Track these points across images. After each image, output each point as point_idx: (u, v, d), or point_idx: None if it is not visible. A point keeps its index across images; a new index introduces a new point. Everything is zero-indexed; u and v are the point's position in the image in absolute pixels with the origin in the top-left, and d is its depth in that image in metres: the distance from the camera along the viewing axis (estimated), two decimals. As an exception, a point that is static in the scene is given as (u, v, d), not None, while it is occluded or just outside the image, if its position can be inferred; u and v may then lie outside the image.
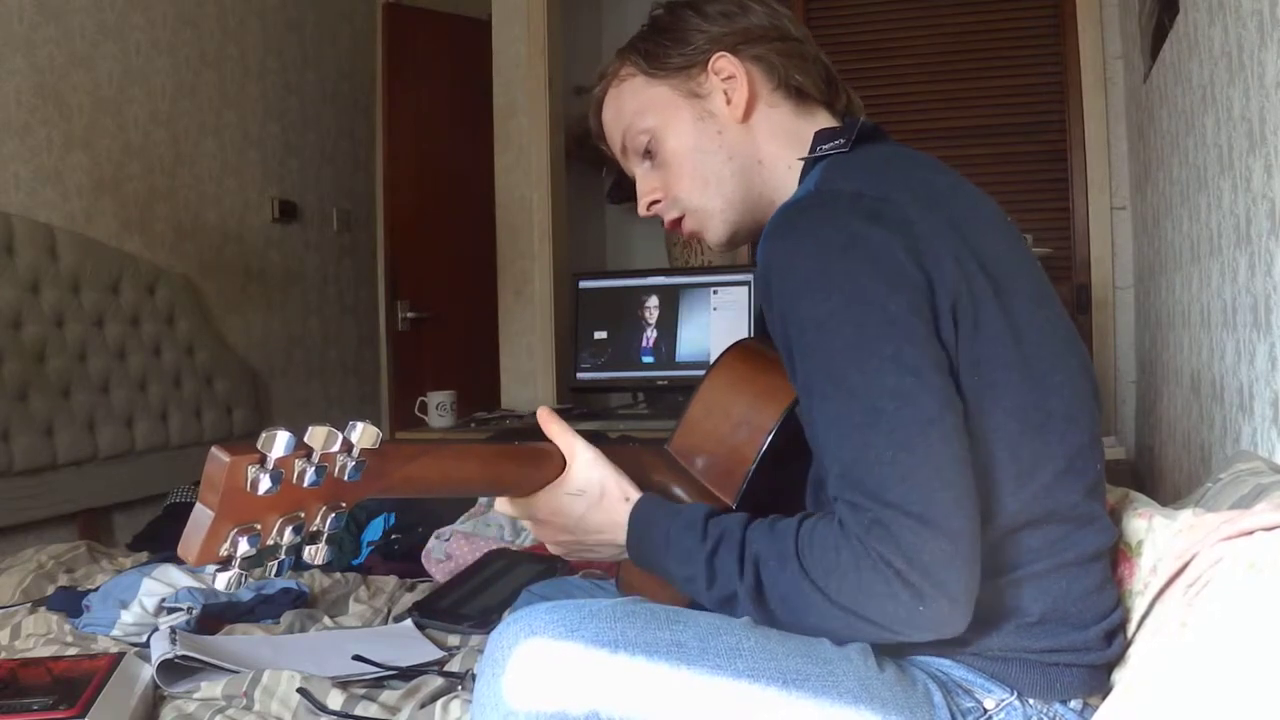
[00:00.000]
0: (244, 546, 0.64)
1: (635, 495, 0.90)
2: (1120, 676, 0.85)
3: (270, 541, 0.66)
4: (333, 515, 0.70)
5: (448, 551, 1.85)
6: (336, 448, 0.66)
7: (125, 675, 1.22)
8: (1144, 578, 0.91)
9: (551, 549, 0.96)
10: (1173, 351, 2.10)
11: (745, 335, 2.63)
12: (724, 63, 0.96)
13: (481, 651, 0.79)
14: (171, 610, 1.51)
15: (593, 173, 3.86)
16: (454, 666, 1.33)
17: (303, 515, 0.68)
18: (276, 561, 0.68)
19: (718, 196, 0.98)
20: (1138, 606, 0.89)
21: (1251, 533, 0.82)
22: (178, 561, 1.71)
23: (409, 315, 3.85)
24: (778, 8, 1.00)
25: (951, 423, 0.74)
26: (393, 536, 2.02)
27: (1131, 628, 0.89)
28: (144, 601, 1.52)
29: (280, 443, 0.62)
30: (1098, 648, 0.83)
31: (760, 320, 0.88)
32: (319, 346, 3.53)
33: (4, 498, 2.21)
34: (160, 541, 2.21)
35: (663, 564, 0.86)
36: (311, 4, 3.49)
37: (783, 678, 0.74)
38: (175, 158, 2.84)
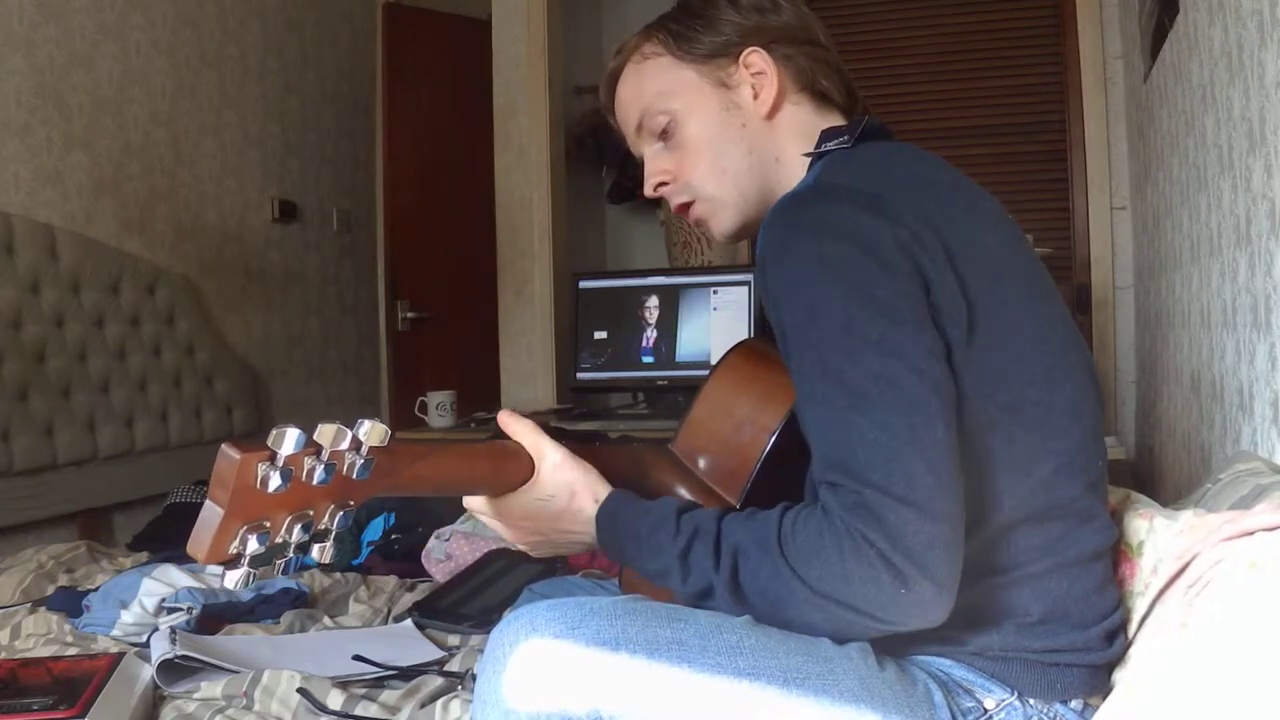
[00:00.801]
0: (253, 544, 0.64)
1: (605, 493, 0.89)
2: (1121, 676, 0.85)
3: (279, 539, 0.66)
4: (341, 513, 0.70)
5: (448, 551, 1.85)
6: (345, 445, 0.66)
7: (125, 675, 1.22)
8: (1145, 578, 0.91)
9: (520, 547, 0.95)
10: (1173, 351, 2.10)
11: (745, 335, 2.63)
12: (756, 57, 0.96)
13: (481, 651, 0.79)
14: (171, 610, 1.51)
15: (593, 173, 3.87)
16: (454, 666, 1.33)
17: (311, 513, 0.68)
18: (285, 560, 0.68)
19: (734, 188, 0.98)
20: (1138, 607, 0.89)
21: (1252, 533, 0.82)
22: (178, 561, 1.71)
23: (409, 315, 3.86)
24: (807, 11, 1.01)
25: (938, 408, 0.74)
26: (393, 536, 2.02)
27: (1132, 628, 0.89)
28: (144, 601, 1.52)
29: (290, 440, 0.62)
30: (1098, 648, 0.83)
31: (761, 320, 0.88)
32: (319, 346, 3.53)
33: (4, 498, 2.21)
34: (160, 541, 2.21)
35: (635, 560, 0.85)
36: (311, 4, 3.49)
37: (783, 676, 0.74)
38: (175, 158, 2.84)
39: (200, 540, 0.63)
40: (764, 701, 0.73)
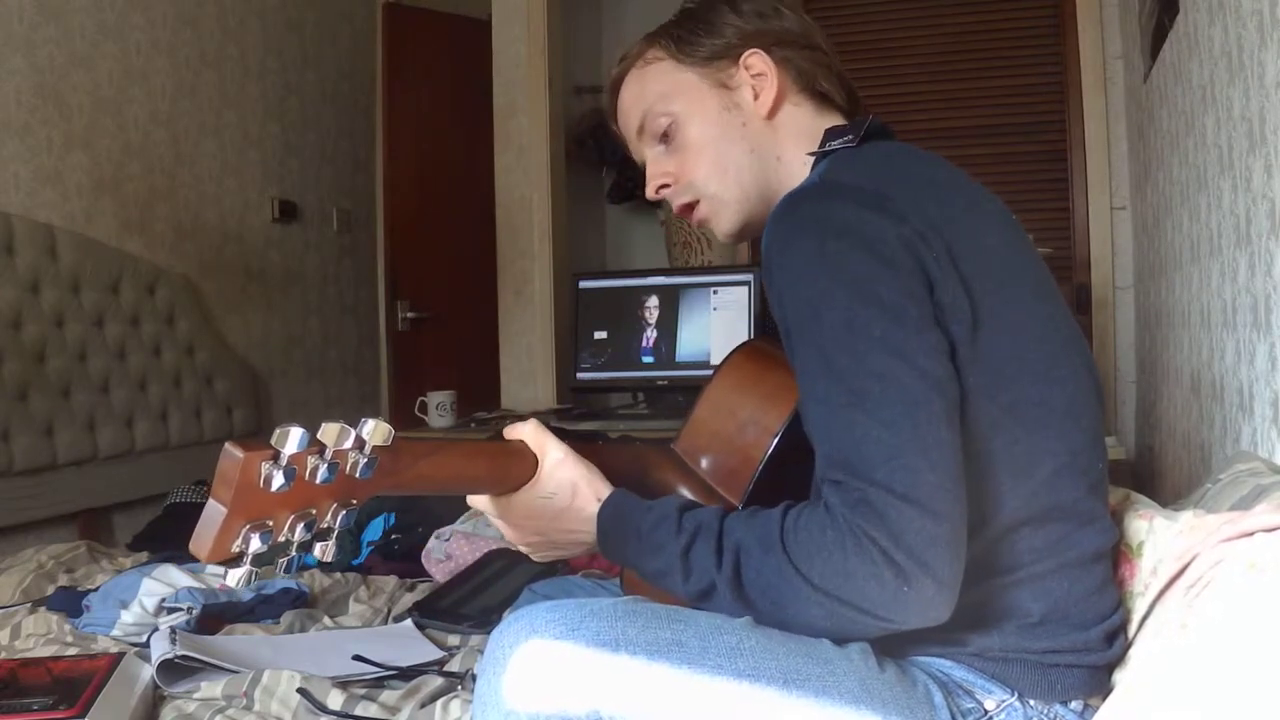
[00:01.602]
0: (256, 543, 0.64)
1: (607, 493, 0.89)
2: (1121, 677, 0.85)
3: (282, 538, 0.66)
4: (343, 512, 0.70)
5: (448, 551, 1.85)
6: (349, 444, 0.66)
7: (125, 675, 1.22)
8: (1145, 579, 0.91)
9: (521, 549, 0.95)
10: (1173, 351, 2.10)
11: (745, 335, 2.63)
12: (756, 59, 0.98)
13: (481, 651, 0.79)
14: (171, 610, 1.51)
15: (593, 173, 3.87)
16: (454, 666, 1.33)
17: (314, 512, 0.68)
18: (287, 558, 0.68)
19: (735, 186, 0.99)
20: (1138, 607, 0.89)
21: (1252, 534, 0.82)
22: (178, 561, 1.71)
23: (409, 315, 3.86)
24: (808, 19, 1.02)
25: (940, 407, 0.74)
26: (393, 536, 2.02)
27: (1132, 629, 0.89)
28: (144, 601, 1.52)
29: (294, 439, 0.62)
30: (1098, 648, 0.83)
31: (762, 320, 0.89)
32: (319, 346, 3.53)
33: (4, 498, 2.21)
34: (160, 541, 2.21)
35: (635, 559, 0.85)
36: (311, 4, 3.49)
37: (783, 677, 0.74)
38: (175, 158, 2.84)
39: (203, 539, 0.63)
40: (764, 702, 0.73)
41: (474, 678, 0.91)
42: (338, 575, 1.82)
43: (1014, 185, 3.15)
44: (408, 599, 1.68)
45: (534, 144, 3.33)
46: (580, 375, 2.87)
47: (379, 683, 1.28)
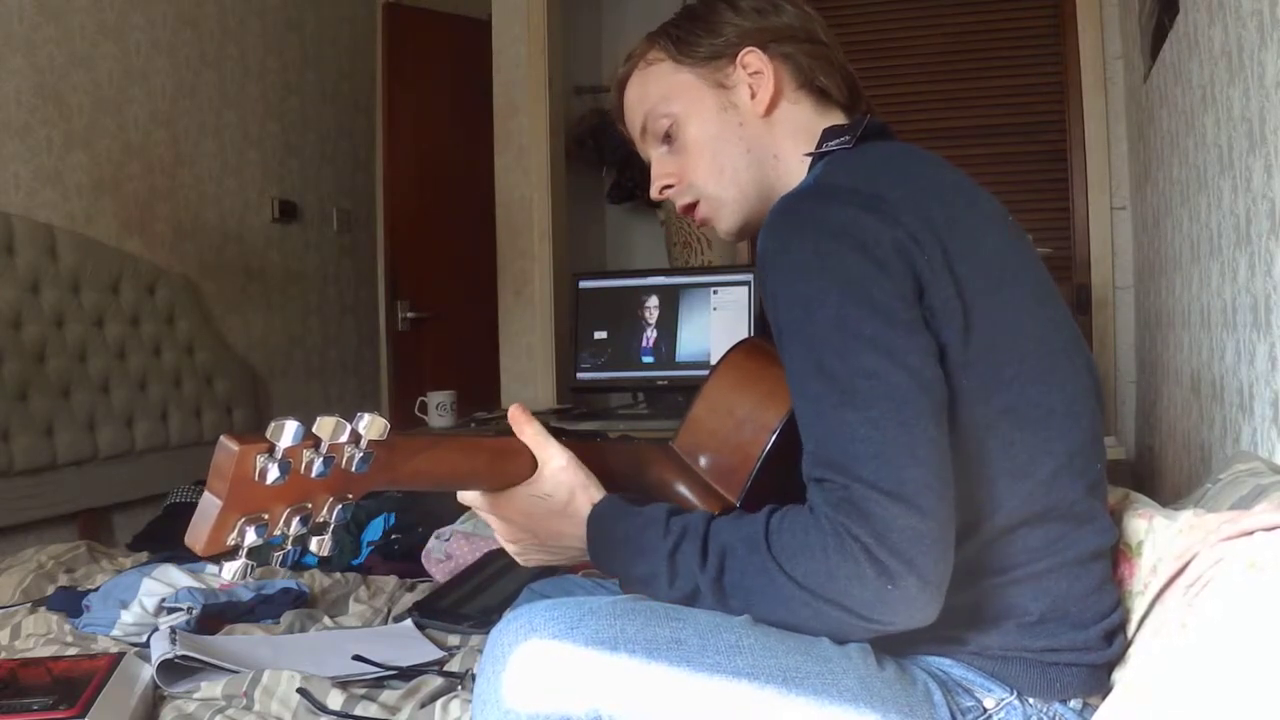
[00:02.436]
0: (251, 536, 0.64)
1: (599, 497, 0.89)
2: (1120, 676, 0.85)
3: (277, 532, 0.66)
4: (339, 506, 0.70)
5: (448, 551, 1.85)
6: (344, 438, 0.66)
7: (125, 675, 1.22)
8: (1144, 578, 0.91)
9: (507, 547, 0.94)
10: (1173, 351, 2.10)
11: (745, 335, 2.63)
12: (752, 58, 0.97)
13: (481, 651, 0.79)
14: (171, 610, 1.51)
15: (593, 173, 3.87)
16: (454, 666, 1.33)
17: (310, 506, 0.68)
18: (283, 552, 0.68)
19: (733, 186, 0.99)
20: (1138, 606, 0.89)
21: (1251, 533, 0.82)
22: (178, 561, 1.71)
23: (409, 315, 3.86)
24: (809, 11, 1.02)
25: (928, 406, 0.74)
26: (393, 536, 2.02)
27: (1132, 628, 0.89)
28: (144, 601, 1.52)
29: (289, 432, 0.62)
30: (1098, 647, 0.83)
31: (762, 320, 0.89)
32: (319, 346, 3.53)
33: (4, 498, 2.21)
34: (160, 541, 2.21)
35: (622, 564, 0.85)
36: (311, 4, 3.49)
37: (783, 675, 0.74)
38: (175, 158, 2.84)
39: (198, 531, 0.63)
40: (763, 701, 0.73)
41: (474, 677, 0.91)
42: (338, 575, 1.82)
43: (1014, 185, 3.15)
44: (408, 599, 1.68)
45: (534, 144, 3.33)
46: (580, 375, 2.87)
47: (379, 683, 1.28)
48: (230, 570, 0.64)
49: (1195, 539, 0.87)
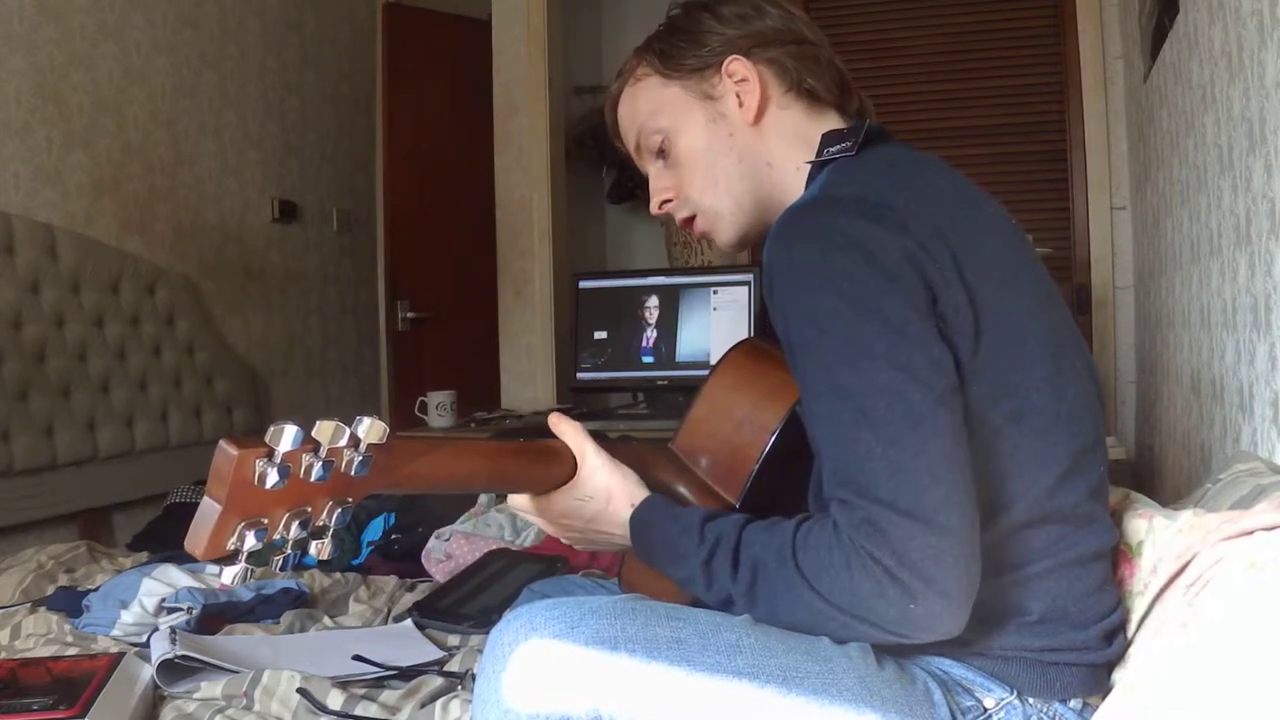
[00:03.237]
0: (250, 540, 0.64)
1: (641, 498, 0.91)
2: (1120, 676, 0.85)
3: (277, 536, 0.66)
4: (339, 510, 0.70)
5: (448, 551, 1.85)
6: (343, 442, 0.66)
7: (125, 675, 1.22)
8: (1144, 578, 0.91)
9: (565, 541, 0.98)
10: (1173, 351, 2.10)
11: (745, 335, 2.63)
12: (737, 65, 0.97)
13: (481, 651, 0.79)
14: (171, 610, 1.51)
15: (593, 173, 3.87)
16: (454, 666, 1.33)
17: (309, 510, 0.68)
18: (283, 556, 0.68)
19: (728, 197, 0.98)
20: (1138, 606, 0.89)
21: (1251, 532, 0.82)
22: (178, 561, 1.71)
23: (409, 315, 3.86)
24: (793, 10, 1.01)
25: (945, 420, 0.74)
26: (393, 536, 2.02)
27: (1132, 628, 0.89)
28: (144, 601, 1.52)
29: (288, 437, 0.62)
30: (1097, 647, 0.83)
31: (762, 320, 0.89)
32: (319, 346, 3.53)
33: (4, 498, 2.21)
34: (160, 541, 2.21)
35: (663, 566, 0.88)
36: (311, 4, 3.49)
37: (783, 675, 0.74)
38: (175, 158, 2.84)
39: (198, 536, 0.63)
40: (763, 700, 0.74)
41: (474, 677, 0.91)
42: (338, 575, 1.82)
43: (1014, 185, 3.15)
44: (408, 599, 1.68)
45: (534, 144, 3.33)
46: (580, 375, 2.87)
47: (379, 683, 1.28)
48: (230, 574, 0.64)
49: (1195, 539, 0.87)
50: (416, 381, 3.54)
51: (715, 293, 2.75)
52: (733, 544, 0.81)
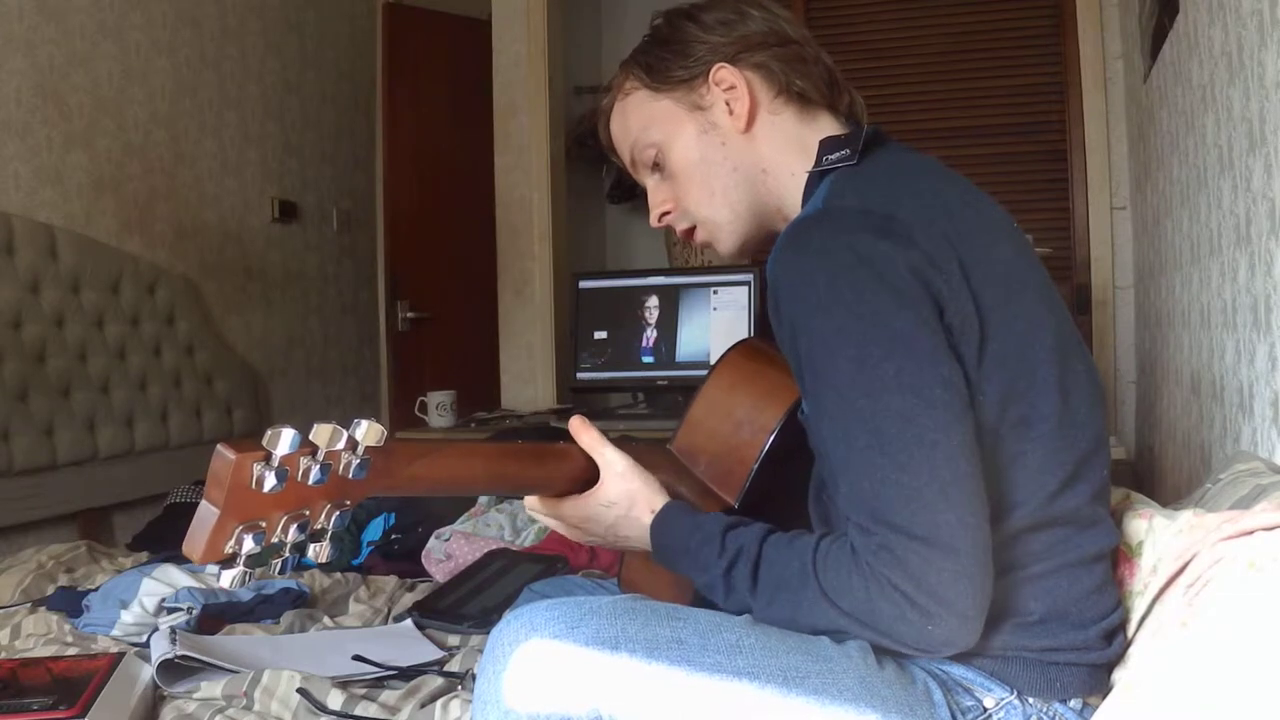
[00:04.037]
0: (249, 544, 0.64)
1: (661, 504, 0.91)
2: (1120, 676, 0.85)
3: (275, 539, 0.66)
4: (337, 513, 0.70)
5: (448, 551, 1.85)
6: (341, 445, 0.66)
7: (125, 675, 1.22)
8: (1144, 578, 0.91)
9: (583, 543, 0.99)
10: (1173, 351, 2.10)
11: (745, 335, 2.63)
12: (724, 73, 0.96)
13: (481, 651, 0.79)
14: (171, 610, 1.51)
15: (593, 173, 3.87)
16: (454, 666, 1.33)
17: (308, 513, 0.68)
18: (281, 559, 0.68)
19: (725, 207, 0.98)
20: (1138, 606, 0.89)
21: (1252, 532, 0.82)
22: (178, 561, 1.71)
23: (409, 315, 3.85)
24: (776, 10, 1.00)
25: (958, 440, 0.75)
26: (393, 536, 2.02)
27: (1132, 628, 0.89)
28: (144, 601, 1.52)
29: (286, 440, 0.62)
30: (1097, 647, 0.83)
31: (762, 320, 0.89)
32: (319, 346, 3.53)
33: (4, 498, 2.21)
34: (160, 541, 2.21)
35: (685, 573, 0.89)
36: (311, 4, 3.49)
37: (783, 675, 0.75)
38: (175, 158, 2.84)
39: (196, 540, 0.63)
40: (763, 700, 0.74)
41: (474, 678, 0.91)
42: (338, 575, 1.82)
43: (1014, 185, 3.15)
44: (408, 599, 1.68)
45: (534, 144, 3.33)
46: (580, 375, 2.87)
47: (379, 683, 1.28)
48: (229, 578, 0.64)
49: (1195, 539, 0.87)
50: (416, 381, 3.54)
51: (715, 293, 2.75)
52: (753, 558, 0.82)
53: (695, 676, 0.74)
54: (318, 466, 0.65)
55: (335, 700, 1.18)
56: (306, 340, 3.46)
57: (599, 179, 3.94)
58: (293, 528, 0.67)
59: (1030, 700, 0.81)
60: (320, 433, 0.65)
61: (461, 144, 3.81)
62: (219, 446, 0.62)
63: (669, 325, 2.77)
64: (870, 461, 0.74)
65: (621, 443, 0.96)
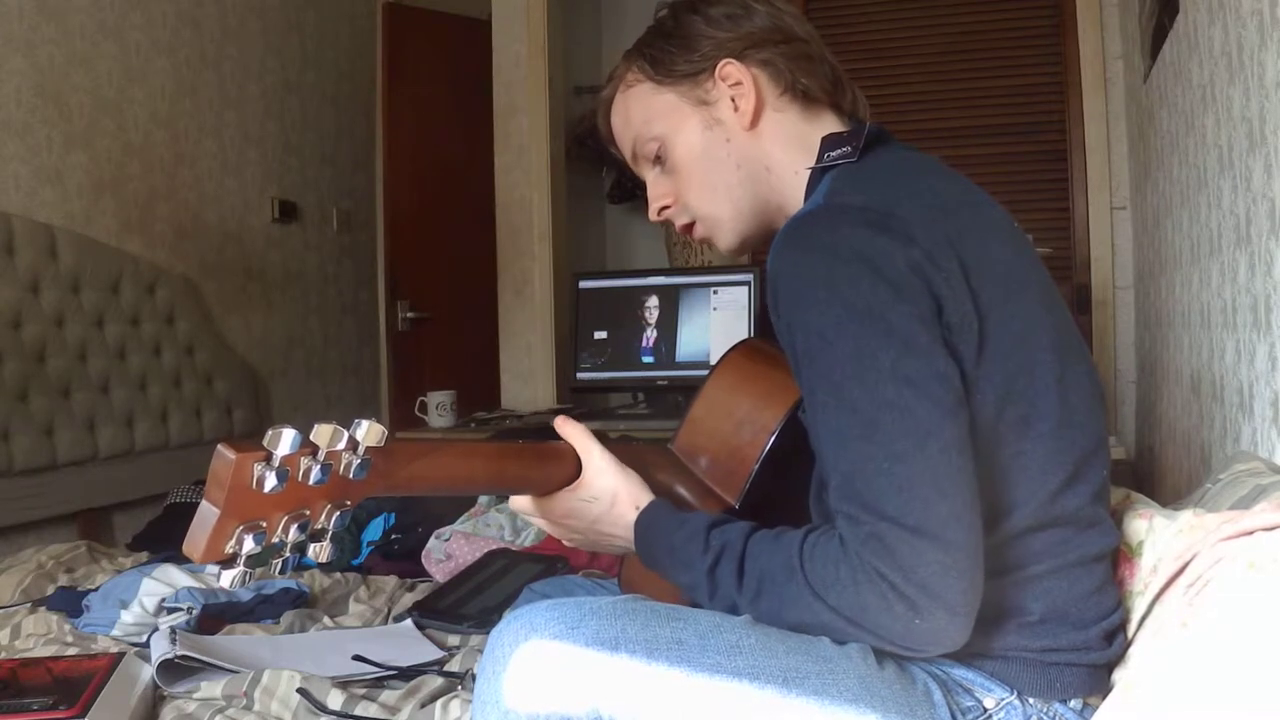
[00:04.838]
0: (249, 544, 0.64)
1: (646, 501, 0.91)
2: (1120, 676, 0.85)
3: (275, 539, 0.66)
4: (338, 513, 0.70)
5: (448, 551, 1.85)
6: (342, 445, 0.66)
7: (125, 675, 1.22)
8: (1144, 578, 0.91)
9: (566, 543, 0.98)
10: (1173, 351, 2.10)
11: (745, 335, 2.63)
12: (730, 69, 0.96)
13: (481, 651, 0.80)
14: (171, 610, 1.51)
15: (593, 173, 3.87)
16: (454, 666, 1.33)
17: (308, 513, 0.68)
18: (281, 559, 0.68)
19: (727, 203, 0.98)
20: (1138, 607, 0.89)
21: (1251, 532, 0.82)
22: (178, 561, 1.71)
23: (409, 315, 3.86)
24: (781, 6, 1.00)
25: (951, 434, 0.74)
26: (393, 536, 2.02)
27: (1132, 628, 0.89)
28: (144, 601, 1.52)
29: (286, 440, 0.62)
30: (1098, 647, 0.83)
31: (762, 320, 0.89)
32: (319, 346, 3.53)
33: (4, 498, 2.21)
34: (160, 541, 2.21)
35: (667, 571, 0.88)
36: (311, 4, 3.48)
37: (783, 675, 0.74)
38: (175, 158, 2.84)
39: (196, 540, 0.63)
40: (763, 701, 0.74)
41: (474, 678, 0.91)
42: (338, 575, 1.82)
43: (1014, 185, 3.15)
44: (408, 599, 1.68)
45: (534, 144, 3.33)
46: (580, 375, 2.87)
47: (379, 683, 1.28)
48: (229, 578, 0.64)
49: (1195, 539, 0.87)
50: (416, 381, 3.54)
51: (715, 293, 2.75)
52: (738, 553, 0.81)
53: (695, 677, 0.74)
54: (318, 467, 0.65)
55: (335, 700, 1.18)
56: (306, 340, 3.46)
57: (599, 179, 3.94)
58: (293, 528, 0.67)
59: (1030, 700, 0.81)
60: (321, 433, 0.65)
61: (461, 144, 3.81)
62: (219, 446, 0.62)
63: (669, 325, 2.77)
64: (863, 452, 0.74)
65: (619, 442, 0.96)
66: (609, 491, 0.91)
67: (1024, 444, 0.80)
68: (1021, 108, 3.21)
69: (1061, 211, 3.18)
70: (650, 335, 2.79)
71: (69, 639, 1.50)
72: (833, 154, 0.92)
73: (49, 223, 2.40)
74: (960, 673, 0.81)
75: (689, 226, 1.02)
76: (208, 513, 0.63)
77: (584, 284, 2.92)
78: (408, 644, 1.42)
